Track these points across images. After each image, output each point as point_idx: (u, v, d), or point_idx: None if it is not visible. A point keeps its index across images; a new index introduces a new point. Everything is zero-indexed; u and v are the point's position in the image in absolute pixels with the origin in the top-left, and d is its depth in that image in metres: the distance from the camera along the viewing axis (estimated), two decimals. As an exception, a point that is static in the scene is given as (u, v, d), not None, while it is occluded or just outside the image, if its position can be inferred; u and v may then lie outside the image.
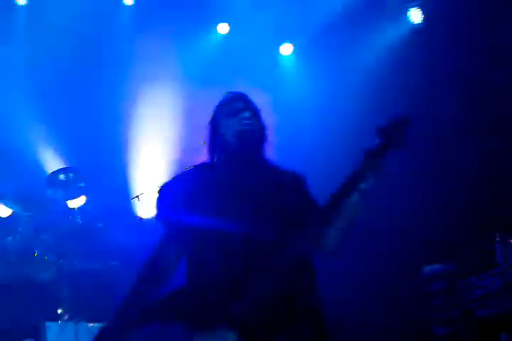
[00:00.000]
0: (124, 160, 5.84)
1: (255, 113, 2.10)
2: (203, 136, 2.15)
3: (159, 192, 2.10)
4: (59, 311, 4.25)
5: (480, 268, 3.69)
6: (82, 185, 4.98)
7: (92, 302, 4.37)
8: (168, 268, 2.02)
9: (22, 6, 6.06)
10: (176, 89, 5.95)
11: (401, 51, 5.71)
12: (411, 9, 5.63)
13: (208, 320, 1.80)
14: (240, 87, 5.62)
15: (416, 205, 4.93)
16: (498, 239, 3.65)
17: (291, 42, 6.47)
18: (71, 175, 4.96)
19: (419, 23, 5.63)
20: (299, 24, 6.21)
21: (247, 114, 2.05)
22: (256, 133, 2.06)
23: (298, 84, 6.36)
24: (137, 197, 5.24)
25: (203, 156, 2.16)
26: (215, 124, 2.12)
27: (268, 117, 2.19)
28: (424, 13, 5.56)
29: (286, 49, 6.48)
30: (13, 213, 4.81)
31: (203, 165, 2.13)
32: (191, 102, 5.78)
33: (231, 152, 2.05)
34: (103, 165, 5.58)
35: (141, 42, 6.05)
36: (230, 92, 2.15)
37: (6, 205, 4.74)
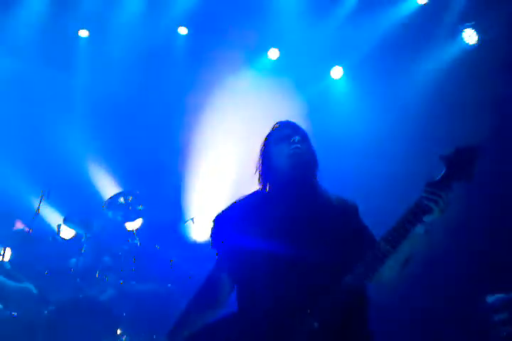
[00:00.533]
0: (180, 184, 5.99)
1: (304, 137, 2.15)
2: (255, 164, 2.21)
3: (214, 221, 2.17)
4: (118, 332, 4.34)
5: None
6: (140, 208, 5.14)
7: (149, 322, 4.45)
8: (222, 293, 2.07)
9: (84, 37, 6.43)
10: (232, 117, 6.09)
11: (454, 73, 5.61)
12: (465, 30, 5.54)
13: None
14: (290, 110, 5.76)
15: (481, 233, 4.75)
16: None
17: (341, 66, 6.51)
18: (130, 198, 5.14)
19: (473, 44, 5.53)
20: (350, 46, 6.24)
21: (296, 138, 2.10)
22: (306, 156, 2.10)
23: (348, 107, 6.36)
24: (192, 219, 5.35)
25: (255, 185, 2.20)
26: (266, 152, 2.18)
27: (317, 141, 2.22)
28: (478, 33, 5.45)
29: (337, 72, 6.52)
30: (76, 235, 5.02)
31: (255, 193, 2.18)
32: (247, 129, 5.89)
33: (284, 176, 2.08)
34: (161, 189, 5.76)
35: (197, 70, 6.27)
36: (278, 122, 2.24)
37: (70, 227, 4.95)
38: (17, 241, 4.67)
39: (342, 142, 5.96)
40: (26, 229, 4.79)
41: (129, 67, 6.23)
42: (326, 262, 1.88)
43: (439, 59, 5.80)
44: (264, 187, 2.15)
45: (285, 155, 2.08)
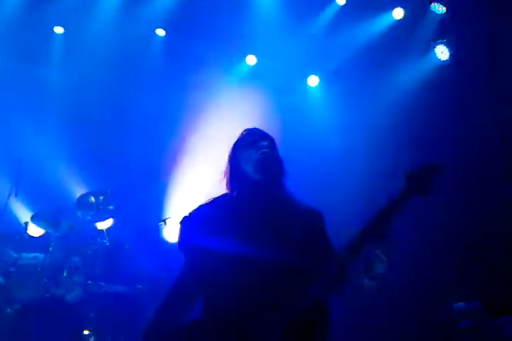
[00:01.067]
0: (152, 185, 5.94)
1: (271, 144, 2.22)
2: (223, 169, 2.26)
3: (180, 223, 2.19)
4: (85, 332, 4.26)
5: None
6: (111, 207, 5.07)
7: (117, 324, 4.38)
8: (189, 298, 2.08)
9: (59, 34, 6.33)
10: (208, 120, 6.09)
11: (427, 87, 5.80)
12: (437, 46, 5.75)
13: None
14: (267, 116, 5.81)
15: (447, 241, 4.89)
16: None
17: (317, 75, 6.62)
18: (101, 197, 5.06)
19: (445, 60, 5.74)
20: (326, 57, 6.36)
21: (264, 144, 2.17)
22: (273, 161, 2.16)
23: (323, 115, 6.47)
24: (164, 221, 5.30)
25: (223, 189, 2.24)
26: (234, 157, 2.24)
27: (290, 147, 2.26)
28: (451, 50, 5.66)
29: (313, 80, 6.63)
30: (45, 233, 4.90)
31: (222, 196, 2.22)
32: (223, 133, 5.89)
33: (251, 181, 2.14)
34: (132, 189, 5.69)
35: (174, 71, 6.26)
36: (246, 128, 2.31)
37: (37, 225, 4.82)
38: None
39: (315, 149, 6.04)
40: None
41: (105, 66, 6.16)
42: (287, 266, 1.93)
43: (411, 73, 5.99)
44: (231, 191, 2.20)
45: (253, 159, 2.15)
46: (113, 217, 5.13)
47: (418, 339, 4.63)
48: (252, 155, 2.16)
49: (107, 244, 4.92)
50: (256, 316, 1.84)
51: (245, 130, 2.30)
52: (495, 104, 5.19)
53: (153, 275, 4.82)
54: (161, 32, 6.52)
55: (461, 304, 4.09)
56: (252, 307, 1.86)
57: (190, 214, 2.20)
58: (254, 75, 6.62)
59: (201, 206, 2.20)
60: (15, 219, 5.23)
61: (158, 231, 5.33)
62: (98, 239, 4.93)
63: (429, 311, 4.56)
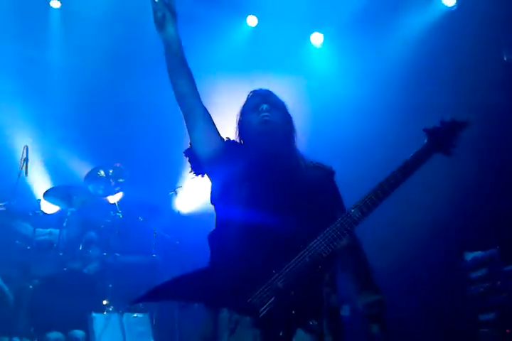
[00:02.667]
0: (162, 156, 5.93)
1: (274, 105, 2.17)
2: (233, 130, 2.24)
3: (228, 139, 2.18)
4: (104, 302, 4.37)
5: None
6: (121, 180, 5.10)
7: (135, 293, 4.46)
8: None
9: (56, 8, 6.23)
10: (208, 82, 5.99)
11: (433, 37, 5.56)
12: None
13: (229, 305, 1.83)
14: (270, 77, 5.68)
15: (460, 190, 4.79)
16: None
17: (321, 32, 6.42)
18: (111, 170, 5.08)
19: (452, 7, 5.47)
20: (329, 13, 6.13)
21: (264, 107, 2.13)
22: (276, 123, 2.12)
23: (329, 73, 6.30)
24: (175, 191, 5.33)
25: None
26: (240, 122, 2.23)
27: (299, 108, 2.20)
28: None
29: (317, 39, 6.43)
30: (58, 210, 4.98)
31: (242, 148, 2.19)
32: (223, 95, 5.80)
33: (255, 145, 2.12)
34: (142, 160, 5.70)
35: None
36: (252, 90, 2.27)
37: (50, 201, 4.90)
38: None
39: (325, 110, 5.92)
40: (1, 206, 4.70)
41: (104, 38, 6.05)
42: (298, 226, 1.92)
43: (418, 21, 5.74)
44: (243, 154, 2.16)
45: (254, 123, 2.13)
46: (124, 190, 5.17)
47: (435, 288, 4.63)
48: (253, 119, 2.15)
49: (121, 216, 4.96)
50: (263, 272, 1.85)
51: (251, 92, 2.27)
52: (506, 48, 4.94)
53: (167, 245, 4.89)
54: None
55: (478, 253, 4.03)
56: (260, 263, 1.87)
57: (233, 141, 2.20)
58: (256, 36, 6.43)
59: (234, 141, 2.21)
60: (28, 197, 5.29)
61: (169, 201, 5.37)
62: (111, 212, 4.99)
63: (449, 261, 4.52)
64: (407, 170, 1.91)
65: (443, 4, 5.56)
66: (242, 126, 2.21)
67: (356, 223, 1.90)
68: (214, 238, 2.02)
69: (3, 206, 4.53)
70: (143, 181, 5.47)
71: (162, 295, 1.90)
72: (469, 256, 4.00)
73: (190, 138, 2.12)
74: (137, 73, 6.14)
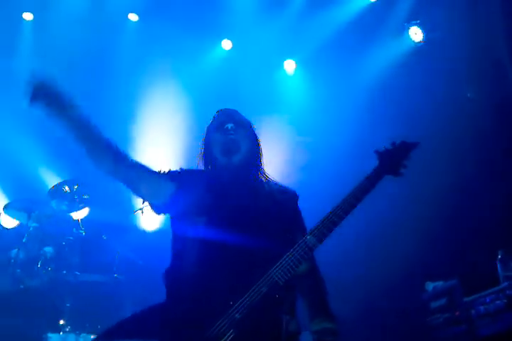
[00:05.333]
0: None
1: (240, 124, 2.18)
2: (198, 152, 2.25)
3: (180, 168, 2.19)
4: (61, 322, 4.23)
5: (483, 285, 3.68)
6: (86, 197, 5.00)
7: (94, 314, 4.36)
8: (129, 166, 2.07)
9: (28, 21, 6.18)
10: (178, 104, 6.02)
11: (403, 68, 5.79)
12: (411, 28, 5.72)
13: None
14: (242, 101, 5.77)
15: (421, 221, 4.93)
16: (500, 257, 3.66)
17: (293, 59, 6.57)
18: (75, 186, 4.98)
19: (419, 42, 5.72)
20: (302, 41, 6.31)
21: (229, 126, 2.14)
22: (241, 143, 2.13)
23: (301, 100, 6.44)
24: (141, 209, 5.25)
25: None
26: (205, 140, 2.23)
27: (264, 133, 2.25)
28: (424, 31, 5.64)
29: (290, 65, 6.58)
30: (19, 224, 4.83)
31: (201, 172, 2.20)
32: (193, 117, 5.85)
33: (221, 164, 2.13)
34: (106, 177, 5.60)
35: (146, 56, 6.16)
36: (219, 109, 2.27)
37: (10, 215, 4.75)
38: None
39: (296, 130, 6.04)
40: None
41: (77, 52, 6.03)
42: (255, 255, 1.92)
43: (386, 55, 5.97)
44: (206, 173, 2.20)
45: (219, 143, 2.14)
46: (88, 207, 5.07)
47: (396, 317, 4.69)
48: (218, 138, 2.15)
49: (83, 234, 4.86)
50: (219, 300, 1.84)
51: (218, 110, 2.28)
52: (469, 85, 5.21)
53: (130, 265, 4.79)
54: (133, 17, 6.39)
55: (439, 283, 4.12)
56: (216, 290, 1.86)
57: (185, 169, 2.21)
58: (230, 60, 6.54)
59: (191, 170, 2.22)
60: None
61: (134, 219, 5.30)
62: (74, 229, 4.87)
63: (409, 291, 4.61)
64: (359, 194, 1.91)
65: (411, 39, 5.81)
66: (206, 144, 2.21)
67: (312, 250, 1.89)
68: (170, 272, 2.00)
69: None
70: (108, 198, 5.38)
71: (118, 335, 1.85)
72: (430, 286, 4.08)
73: (138, 196, 2.12)
74: (110, 86, 6.11)
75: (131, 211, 5.29)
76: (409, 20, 5.73)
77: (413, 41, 5.78)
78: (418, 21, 5.62)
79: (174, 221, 2.13)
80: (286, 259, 1.87)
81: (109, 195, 5.44)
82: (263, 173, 2.19)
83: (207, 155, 2.20)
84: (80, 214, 4.99)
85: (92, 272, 4.66)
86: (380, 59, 5.98)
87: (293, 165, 5.57)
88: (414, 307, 4.36)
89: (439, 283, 4.10)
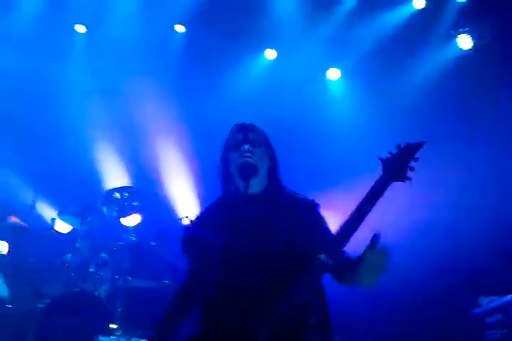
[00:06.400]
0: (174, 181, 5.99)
1: (257, 143, 2.17)
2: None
3: (184, 231, 2.27)
4: (112, 326, 4.32)
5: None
6: (136, 203, 5.12)
7: (144, 318, 4.43)
8: (192, 298, 2.15)
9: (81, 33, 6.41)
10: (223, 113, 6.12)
11: (449, 77, 5.71)
12: (460, 35, 5.65)
13: None
14: (285, 110, 5.79)
15: (474, 234, 4.82)
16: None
17: (338, 68, 6.57)
18: (126, 194, 5.11)
19: (468, 50, 5.64)
20: (347, 49, 6.30)
21: (246, 147, 2.12)
22: (258, 165, 2.10)
23: (345, 108, 6.42)
24: (187, 216, 5.33)
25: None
26: (223, 159, 2.22)
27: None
28: (473, 39, 5.56)
29: (334, 74, 6.58)
30: (72, 230, 4.99)
31: (219, 198, 2.24)
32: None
33: (237, 184, 2.15)
34: (156, 185, 5.75)
35: (193, 68, 6.30)
36: (234, 124, 2.26)
37: (64, 220, 4.91)
38: (12, 235, 4.62)
39: (338, 142, 6.01)
40: (21, 223, 4.74)
41: (126, 64, 6.21)
42: (277, 260, 1.93)
43: (434, 63, 5.90)
44: (225, 190, 2.22)
45: (237, 164, 2.12)
46: (139, 213, 5.18)
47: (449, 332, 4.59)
48: (235, 159, 2.14)
49: (134, 239, 4.96)
50: (247, 313, 1.86)
51: (233, 126, 2.25)
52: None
53: (179, 271, 4.86)
54: (180, 28, 6.54)
55: (493, 298, 4.02)
56: (243, 300, 1.89)
57: (192, 222, 2.26)
58: (274, 70, 6.58)
59: (203, 209, 2.26)
60: (42, 217, 5.30)
61: (180, 227, 5.37)
62: (124, 235, 4.98)
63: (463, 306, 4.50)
64: (366, 205, 1.82)
65: (459, 47, 5.72)
66: (224, 163, 2.21)
67: (328, 269, 1.83)
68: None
69: (24, 222, 4.57)
70: (155, 206, 5.50)
71: None
72: (485, 300, 3.99)
73: None
74: (158, 96, 6.24)
75: (176, 219, 5.42)
76: (458, 28, 5.65)
77: (461, 48, 5.69)
78: (467, 29, 5.53)
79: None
80: (303, 280, 1.83)
81: (158, 202, 5.58)
82: (280, 189, 2.18)
83: (224, 175, 2.20)
84: (131, 221, 5.10)
85: (142, 278, 4.76)
86: (427, 66, 5.91)
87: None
88: (467, 322, 4.25)
89: (494, 298, 4.00)
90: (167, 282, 4.75)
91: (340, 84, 6.60)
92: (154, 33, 6.39)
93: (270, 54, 6.63)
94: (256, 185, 2.10)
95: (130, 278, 4.65)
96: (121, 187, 5.20)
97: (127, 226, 5.05)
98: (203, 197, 5.82)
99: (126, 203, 5.09)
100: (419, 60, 5.97)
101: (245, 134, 2.17)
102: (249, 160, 2.08)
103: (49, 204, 5.51)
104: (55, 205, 5.39)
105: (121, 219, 5.17)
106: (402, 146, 1.86)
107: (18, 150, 5.63)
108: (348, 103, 6.43)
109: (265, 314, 1.80)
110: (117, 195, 5.11)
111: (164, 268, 4.84)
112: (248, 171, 2.07)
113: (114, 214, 5.06)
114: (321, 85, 6.62)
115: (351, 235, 1.82)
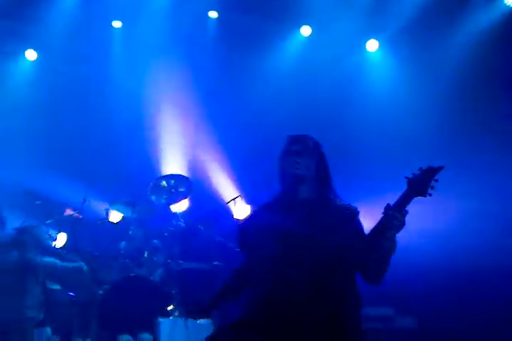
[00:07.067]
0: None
1: (306, 155, 2.34)
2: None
3: (239, 228, 2.48)
4: (170, 307, 4.51)
5: None
6: (182, 190, 5.26)
7: (199, 299, 4.58)
8: (243, 284, 2.42)
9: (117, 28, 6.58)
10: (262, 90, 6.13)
11: (492, 41, 5.41)
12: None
13: None
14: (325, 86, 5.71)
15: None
16: None
17: (376, 38, 6.39)
18: (172, 181, 5.26)
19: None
20: (385, 19, 6.10)
21: (296, 159, 2.32)
22: (305, 176, 2.31)
23: (384, 80, 6.26)
24: (233, 200, 5.43)
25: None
26: (280, 164, 2.42)
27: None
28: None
29: (372, 45, 6.41)
30: (123, 218, 5.22)
31: (272, 201, 2.42)
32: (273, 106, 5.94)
33: (288, 190, 2.35)
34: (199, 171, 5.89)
35: (228, 50, 6.32)
36: (289, 135, 2.45)
37: (117, 210, 5.15)
38: (69, 226, 4.90)
39: (376, 116, 5.88)
40: (76, 214, 5.01)
41: (162, 55, 6.32)
42: (323, 261, 2.13)
43: (478, 22, 5.59)
44: (281, 190, 2.42)
45: (286, 173, 2.35)
46: (186, 198, 5.32)
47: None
48: (286, 168, 2.35)
49: (183, 225, 5.12)
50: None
51: (287, 137, 2.44)
52: None
53: (228, 252, 4.98)
54: (213, 14, 6.57)
55: None
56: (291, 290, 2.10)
57: (246, 219, 2.56)
58: (311, 46, 6.49)
59: (258, 207, 2.47)
60: (95, 209, 5.55)
61: (228, 210, 5.48)
62: (173, 221, 5.15)
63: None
64: (388, 222, 2.03)
65: (505, 4, 5.40)
66: (280, 167, 2.40)
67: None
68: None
69: (79, 213, 4.83)
70: (200, 191, 5.62)
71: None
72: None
73: None
74: (199, 81, 6.32)
75: (224, 202, 5.52)
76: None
77: (508, 6, 5.35)
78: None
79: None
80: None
81: (204, 187, 5.71)
82: (331, 191, 2.36)
83: (280, 181, 2.41)
84: (179, 207, 5.26)
85: (193, 261, 4.92)
86: (472, 27, 5.60)
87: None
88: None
89: None
90: (217, 263, 4.89)
91: (379, 54, 6.41)
92: (188, 21, 6.44)
93: (306, 30, 6.54)
94: (305, 191, 2.32)
95: (182, 262, 4.82)
96: (166, 175, 5.36)
97: (176, 213, 5.20)
98: (244, 183, 5.91)
99: (173, 190, 5.24)
100: (463, 21, 5.69)
101: (296, 147, 2.37)
102: (297, 171, 2.30)
103: (100, 198, 5.77)
104: (106, 198, 5.62)
105: (171, 206, 5.35)
106: (423, 168, 2.08)
107: (67, 147, 5.92)
108: (388, 74, 6.25)
109: (309, 304, 2.07)
110: (164, 183, 5.26)
111: (214, 250, 4.98)
112: (295, 181, 2.32)
113: (163, 201, 5.23)
114: (360, 57, 6.47)
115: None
